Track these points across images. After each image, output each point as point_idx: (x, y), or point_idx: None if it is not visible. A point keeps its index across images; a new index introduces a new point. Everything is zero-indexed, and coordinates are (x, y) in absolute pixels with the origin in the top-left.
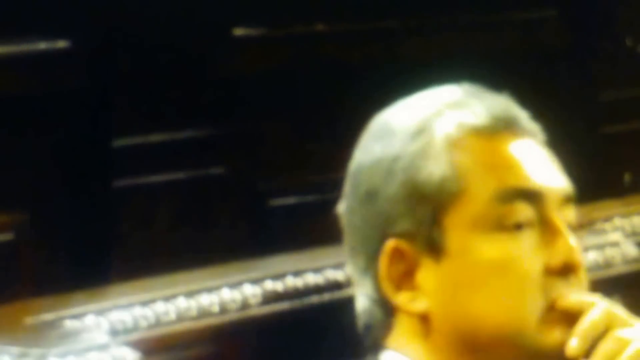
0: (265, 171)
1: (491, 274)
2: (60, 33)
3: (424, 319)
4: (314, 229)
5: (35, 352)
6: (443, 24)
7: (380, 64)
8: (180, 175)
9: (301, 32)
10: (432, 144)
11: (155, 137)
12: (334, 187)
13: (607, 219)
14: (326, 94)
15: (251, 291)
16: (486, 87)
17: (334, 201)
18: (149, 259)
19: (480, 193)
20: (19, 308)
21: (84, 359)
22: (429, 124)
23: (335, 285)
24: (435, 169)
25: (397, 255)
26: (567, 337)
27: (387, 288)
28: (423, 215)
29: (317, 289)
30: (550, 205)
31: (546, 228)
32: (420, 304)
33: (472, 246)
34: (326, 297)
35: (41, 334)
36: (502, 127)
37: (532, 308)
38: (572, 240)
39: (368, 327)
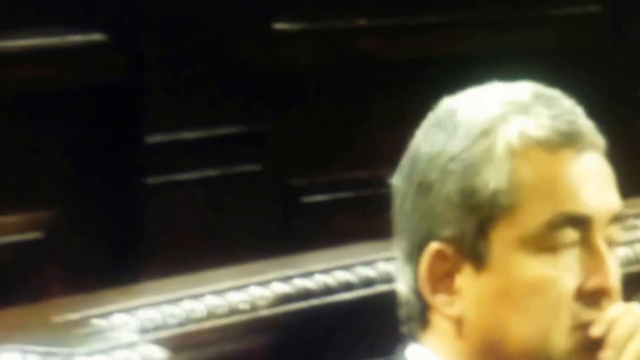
0: (299, 168)
1: (528, 293)
2: (96, 26)
3: (457, 323)
4: (347, 226)
5: (62, 351)
6: (483, 20)
7: (420, 60)
8: (213, 172)
9: (342, 26)
10: (493, 150)
11: (189, 134)
12: (367, 185)
13: (639, 215)
14: (364, 90)
15: (281, 289)
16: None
17: (366, 198)
18: (180, 256)
19: (532, 215)
20: (46, 307)
21: (112, 357)
22: (493, 129)
23: (367, 283)
24: (491, 178)
25: (440, 256)
26: None
27: (426, 288)
28: (471, 225)
29: (348, 287)
30: (597, 228)
31: (588, 250)
32: (455, 309)
33: (515, 264)
34: (358, 294)
35: (68, 333)
36: (566, 142)
37: (561, 329)
38: (611, 265)
39: (407, 317)
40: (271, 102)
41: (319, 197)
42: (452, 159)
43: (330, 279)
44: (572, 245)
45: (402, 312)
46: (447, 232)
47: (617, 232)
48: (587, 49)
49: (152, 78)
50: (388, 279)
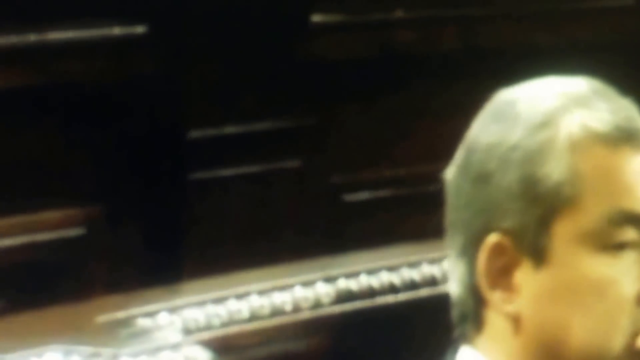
0: (341, 165)
1: (589, 293)
2: (137, 18)
3: (515, 320)
4: (389, 224)
5: (106, 352)
6: (523, 12)
7: (459, 52)
8: (255, 168)
9: (380, 18)
10: (555, 141)
11: (230, 129)
12: (410, 183)
13: None
14: (404, 84)
15: (324, 289)
16: (608, 84)
17: (408, 197)
18: (222, 254)
19: (594, 207)
20: (90, 306)
21: (156, 358)
22: (555, 119)
23: (412, 285)
24: (554, 168)
25: (498, 250)
26: None
27: (484, 283)
28: (533, 216)
29: (392, 289)
30: None
31: None
32: (513, 306)
33: (576, 261)
34: (401, 297)
35: (113, 333)
36: (626, 139)
37: (622, 333)
38: None
39: (460, 317)
40: (313, 97)
41: (363, 195)
42: (513, 148)
43: (374, 281)
44: (632, 246)
45: (455, 313)
46: (507, 223)
47: None
48: (621, 42)
49: (194, 71)
50: (432, 281)
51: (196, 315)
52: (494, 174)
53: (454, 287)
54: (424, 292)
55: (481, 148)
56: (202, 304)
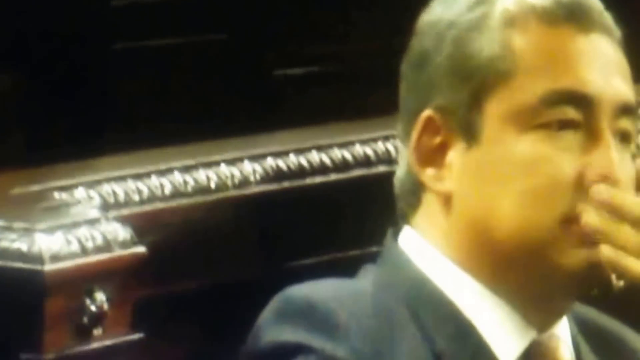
0: (271, 40)
1: (520, 171)
2: None
3: (446, 199)
4: (322, 102)
5: (20, 225)
6: None
7: None
8: (180, 39)
9: None
10: (490, 17)
11: None
12: (340, 59)
13: None
14: None
15: (251, 168)
16: None
17: (343, 74)
18: (144, 128)
19: (528, 85)
20: (5, 178)
21: (73, 234)
22: None
23: (344, 166)
24: (486, 44)
25: (432, 128)
26: (594, 260)
27: (415, 159)
28: (464, 93)
29: (323, 169)
30: (602, 113)
31: (591, 135)
32: (444, 184)
33: (507, 139)
34: (333, 177)
35: (28, 207)
36: (568, 16)
37: (554, 216)
38: (615, 152)
39: (400, 197)
40: None
41: (294, 71)
42: (448, 26)
43: (304, 160)
44: (572, 125)
45: (396, 193)
46: (440, 99)
47: (629, 126)
48: None
49: None
50: (366, 162)
51: (115, 190)
52: (431, 54)
53: (397, 172)
54: (356, 174)
55: (422, 30)
56: (122, 179)
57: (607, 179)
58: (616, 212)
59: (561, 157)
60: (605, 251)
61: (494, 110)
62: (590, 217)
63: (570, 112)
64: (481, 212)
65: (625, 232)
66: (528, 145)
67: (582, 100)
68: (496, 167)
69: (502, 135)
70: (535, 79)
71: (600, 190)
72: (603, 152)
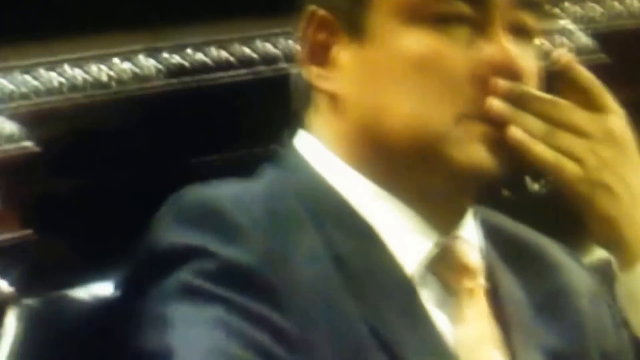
0: None
1: (410, 69)
2: None
3: (334, 99)
4: None
5: None
6: None
7: None
8: None
9: None
10: None
11: None
12: None
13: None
14: None
15: (147, 63)
16: None
17: None
18: (33, 18)
19: None
20: None
21: None
22: None
23: (246, 62)
24: None
25: (317, 23)
26: (490, 158)
27: (300, 56)
28: None
29: (225, 65)
30: (493, 6)
31: (482, 29)
32: (330, 83)
33: (395, 35)
34: (233, 73)
35: None
36: None
37: (449, 113)
38: (510, 44)
39: (295, 97)
40: None
41: None
42: None
43: (203, 56)
44: (463, 19)
45: (292, 93)
46: None
47: (528, 20)
48: None
49: None
50: (270, 59)
51: (2, 84)
52: None
53: (294, 71)
54: (259, 71)
55: None
56: (8, 71)
57: (506, 72)
58: (519, 103)
59: (453, 51)
60: (514, 133)
61: (380, 4)
62: (495, 103)
63: (460, 5)
64: (372, 112)
65: (532, 119)
66: (417, 40)
67: None
68: (384, 64)
69: (389, 30)
70: None
71: (499, 83)
72: (495, 45)
